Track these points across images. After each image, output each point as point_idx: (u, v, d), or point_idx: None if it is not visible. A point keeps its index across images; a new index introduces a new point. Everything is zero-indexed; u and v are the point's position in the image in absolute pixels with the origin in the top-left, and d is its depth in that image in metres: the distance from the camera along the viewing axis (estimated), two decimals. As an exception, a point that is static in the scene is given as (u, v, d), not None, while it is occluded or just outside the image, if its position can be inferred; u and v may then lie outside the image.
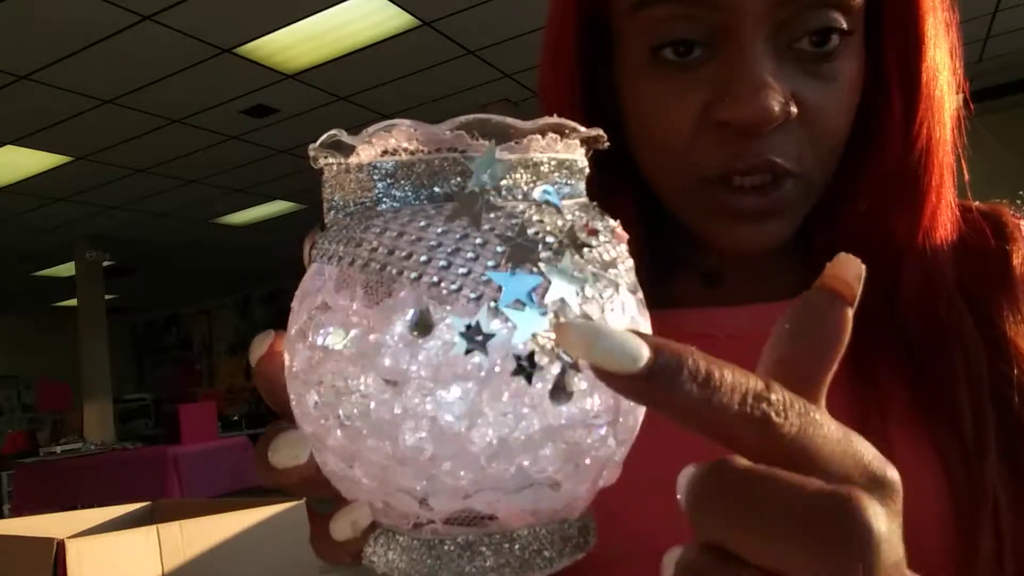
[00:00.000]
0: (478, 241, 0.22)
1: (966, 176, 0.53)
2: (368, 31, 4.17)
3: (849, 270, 0.24)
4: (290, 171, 6.27)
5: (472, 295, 0.22)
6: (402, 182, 0.24)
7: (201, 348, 12.53)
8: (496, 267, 0.22)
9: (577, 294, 0.23)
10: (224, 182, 6.51)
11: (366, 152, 0.25)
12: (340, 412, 0.23)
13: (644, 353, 0.20)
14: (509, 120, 0.24)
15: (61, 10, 3.62)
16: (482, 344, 0.22)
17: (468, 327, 0.22)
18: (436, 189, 0.24)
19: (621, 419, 0.24)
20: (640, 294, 0.26)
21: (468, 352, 0.22)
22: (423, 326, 0.22)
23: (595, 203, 0.27)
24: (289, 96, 4.90)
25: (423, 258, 0.22)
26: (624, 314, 0.24)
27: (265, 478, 0.28)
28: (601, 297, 0.23)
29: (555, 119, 0.25)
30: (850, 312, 0.24)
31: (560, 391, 0.22)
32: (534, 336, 0.22)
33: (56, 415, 8.28)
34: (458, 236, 0.23)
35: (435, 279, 0.22)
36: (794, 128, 0.46)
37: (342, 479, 0.25)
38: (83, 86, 4.46)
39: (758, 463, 0.22)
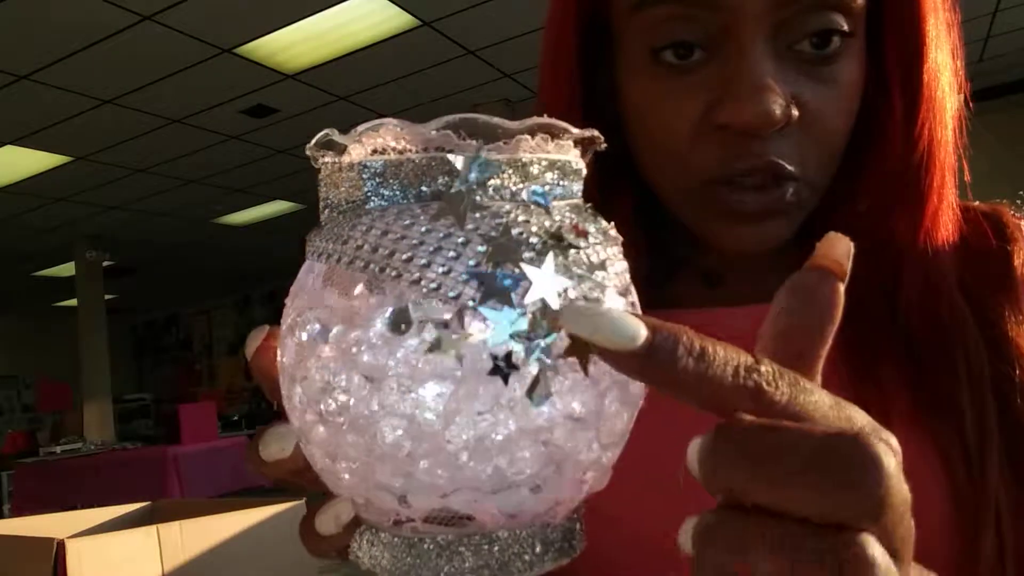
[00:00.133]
0: (460, 240, 0.22)
1: (967, 176, 0.53)
2: (368, 31, 4.17)
3: (839, 248, 0.25)
4: (290, 171, 6.27)
5: (451, 294, 0.22)
6: (390, 181, 0.24)
7: (201, 348, 12.54)
8: (477, 266, 0.22)
9: (560, 295, 0.22)
10: (224, 182, 6.52)
11: (356, 151, 0.25)
12: (322, 407, 0.24)
13: (642, 332, 0.21)
14: (496, 120, 0.24)
15: (61, 10, 3.62)
16: (459, 343, 0.22)
17: (445, 325, 0.22)
18: (424, 188, 0.24)
19: (605, 423, 0.24)
20: (632, 297, 0.26)
21: (444, 351, 0.22)
22: (402, 324, 0.22)
23: (590, 204, 0.26)
24: (289, 96, 4.90)
25: (405, 256, 0.22)
26: None
27: (255, 470, 0.29)
28: (586, 299, 0.23)
29: (545, 119, 0.25)
30: (841, 287, 0.25)
31: (538, 392, 0.22)
32: (512, 336, 0.22)
33: (56, 415, 8.27)
34: (441, 235, 0.23)
35: (416, 277, 0.22)
36: (795, 130, 0.46)
37: (327, 473, 0.26)
38: (83, 86, 4.46)
39: None
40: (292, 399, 0.25)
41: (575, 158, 0.26)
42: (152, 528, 1.34)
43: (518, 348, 0.22)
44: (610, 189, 0.53)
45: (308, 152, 0.26)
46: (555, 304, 0.22)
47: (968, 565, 0.43)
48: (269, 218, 7.73)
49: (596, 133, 0.26)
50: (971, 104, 0.54)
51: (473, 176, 0.23)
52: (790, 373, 0.23)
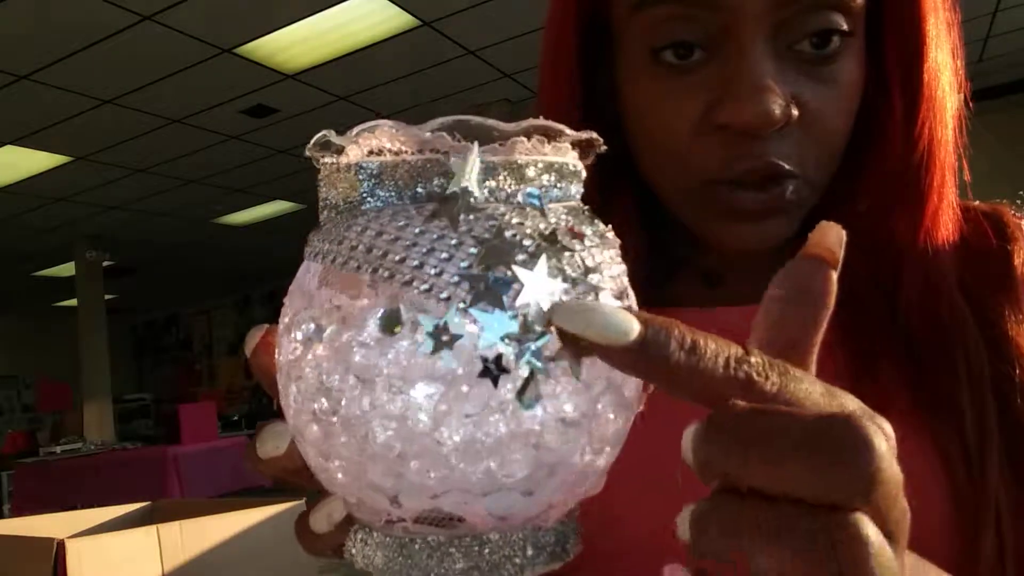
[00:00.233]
0: (453, 242, 0.22)
1: (967, 176, 0.53)
2: (368, 31, 4.17)
3: (831, 236, 0.26)
4: (290, 171, 6.27)
5: (442, 295, 0.22)
6: (386, 182, 0.24)
7: (201, 348, 12.54)
8: (469, 268, 0.22)
9: (551, 297, 0.22)
10: (224, 182, 6.52)
11: (354, 152, 0.25)
12: (316, 407, 0.24)
13: (634, 326, 0.22)
14: (491, 122, 0.24)
15: (61, 10, 3.62)
16: (449, 344, 0.22)
17: (436, 327, 0.22)
18: (419, 190, 0.24)
19: (598, 427, 0.24)
20: (629, 301, 0.26)
21: (435, 352, 0.22)
22: (393, 325, 0.22)
23: (588, 207, 0.26)
24: (289, 96, 4.90)
25: (398, 257, 0.23)
26: None
27: (253, 468, 0.29)
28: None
29: (541, 121, 0.25)
30: (834, 275, 0.25)
31: (528, 395, 0.22)
32: (502, 338, 0.22)
33: (56, 415, 8.27)
34: (435, 236, 0.23)
35: (408, 278, 0.22)
36: (794, 130, 0.46)
37: (321, 472, 0.26)
38: (83, 86, 4.46)
39: None
40: (287, 398, 0.25)
41: (573, 160, 0.26)
42: (152, 528, 1.35)
43: (508, 350, 0.22)
44: (610, 189, 0.53)
45: (307, 153, 0.26)
46: (547, 306, 0.22)
47: (968, 565, 0.43)
48: (269, 218, 7.73)
49: (594, 135, 0.26)
50: (971, 104, 0.54)
51: (467, 178, 0.23)
52: (780, 363, 0.23)
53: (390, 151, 0.24)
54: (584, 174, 0.27)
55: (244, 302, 11.87)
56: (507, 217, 0.23)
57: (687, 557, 0.23)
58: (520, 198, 0.24)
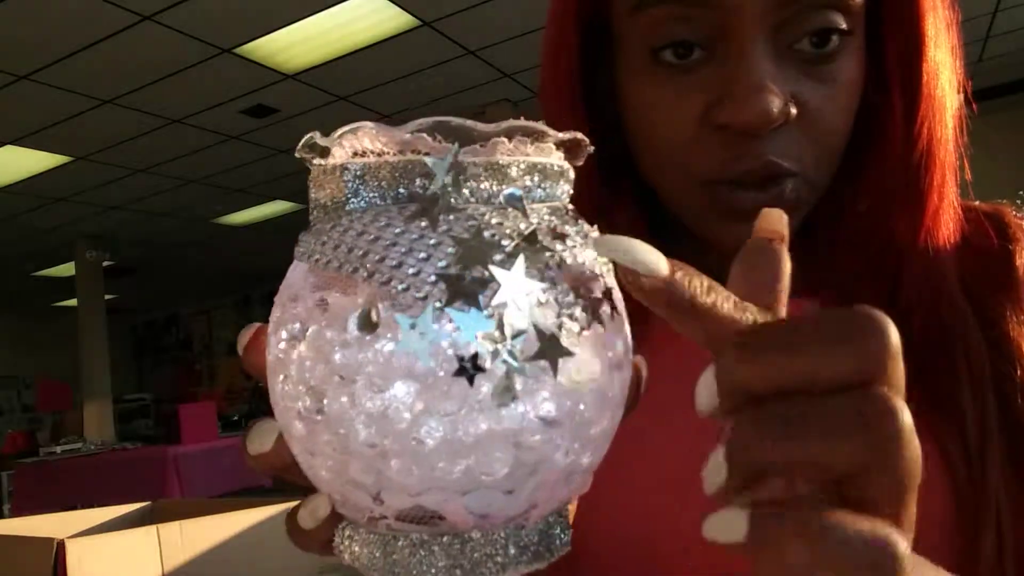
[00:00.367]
0: (432, 242, 0.23)
1: (968, 175, 0.53)
2: (368, 31, 4.17)
3: (772, 217, 0.28)
4: (290, 171, 6.27)
5: (419, 295, 0.22)
6: (369, 183, 0.24)
7: (201, 348, 12.54)
8: (447, 268, 0.22)
9: (529, 297, 0.23)
10: (224, 182, 6.52)
11: (339, 153, 0.25)
12: (300, 404, 0.24)
13: (666, 265, 0.25)
14: (470, 123, 0.24)
15: (61, 10, 3.62)
16: (427, 344, 0.22)
17: (412, 326, 0.22)
18: (401, 190, 0.24)
19: (581, 428, 0.24)
20: (615, 299, 0.26)
21: (412, 351, 0.22)
22: (370, 324, 0.22)
23: (572, 207, 0.27)
24: (289, 96, 4.90)
25: (377, 257, 0.23)
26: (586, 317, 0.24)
27: (248, 463, 0.30)
28: (558, 302, 0.23)
29: (523, 122, 0.25)
30: (784, 248, 0.28)
31: (504, 393, 0.22)
32: (478, 338, 0.22)
33: (56, 415, 8.27)
34: (414, 237, 0.23)
35: (386, 277, 0.22)
36: (794, 129, 0.46)
37: (307, 469, 0.26)
38: (83, 86, 4.46)
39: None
40: (275, 395, 0.26)
41: (558, 160, 0.26)
42: (152, 528, 1.34)
43: (484, 349, 0.22)
44: (610, 189, 0.53)
45: (297, 154, 0.26)
46: (524, 306, 0.22)
47: (968, 564, 0.43)
48: (269, 218, 7.72)
49: (579, 136, 0.27)
50: (972, 104, 0.54)
51: (447, 178, 0.24)
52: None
53: (372, 152, 0.24)
54: (572, 174, 0.27)
55: (244, 302, 11.87)
56: (487, 217, 0.23)
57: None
58: (501, 199, 0.24)
